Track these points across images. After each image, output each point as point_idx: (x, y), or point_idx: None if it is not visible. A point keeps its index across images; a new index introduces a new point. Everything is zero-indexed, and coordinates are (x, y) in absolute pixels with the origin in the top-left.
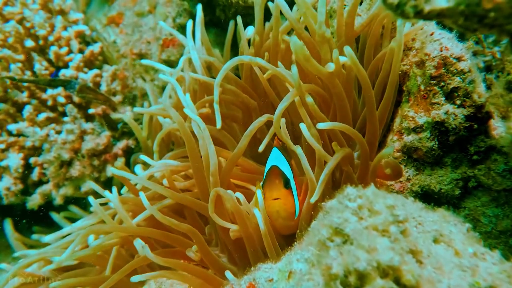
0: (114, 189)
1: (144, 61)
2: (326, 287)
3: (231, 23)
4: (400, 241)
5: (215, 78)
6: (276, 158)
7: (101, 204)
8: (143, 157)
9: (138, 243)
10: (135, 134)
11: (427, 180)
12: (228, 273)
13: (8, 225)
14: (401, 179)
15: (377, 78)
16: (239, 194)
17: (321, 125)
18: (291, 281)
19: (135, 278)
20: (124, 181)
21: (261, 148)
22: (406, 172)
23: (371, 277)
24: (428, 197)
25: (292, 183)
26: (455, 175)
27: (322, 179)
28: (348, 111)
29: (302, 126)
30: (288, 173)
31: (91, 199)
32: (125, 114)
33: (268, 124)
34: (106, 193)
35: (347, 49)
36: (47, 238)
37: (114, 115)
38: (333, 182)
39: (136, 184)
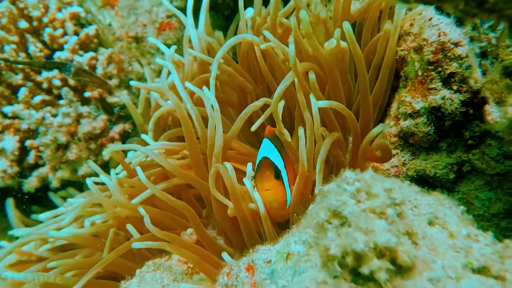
0: (112, 172)
1: (150, 39)
2: (324, 267)
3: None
4: (397, 223)
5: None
6: (266, 149)
7: (97, 184)
8: (143, 136)
9: (131, 228)
10: (132, 117)
11: (422, 164)
12: (225, 255)
13: (10, 204)
14: (397, 164)
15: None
16: (249, 166)
17: (320, 103)
18: (289, 262)
19: (135, 244)
20: (120, 161)
21: (253, 128)
22: (402, 157)
23: (368, 258)
24: (423, 182)
25: (284, 173)
26: (450, 159)
27: (319, 168)
28: (341, 93)
29: (312, 98)
30: (279, 163)
31: (88, 180)
32: (123, 96)
33: (264, 108)
34: (103, 177)
35: (346, 25)
36: (42, 215)
37: (110, 99)
38: (327, 167)
39: (130, 163)
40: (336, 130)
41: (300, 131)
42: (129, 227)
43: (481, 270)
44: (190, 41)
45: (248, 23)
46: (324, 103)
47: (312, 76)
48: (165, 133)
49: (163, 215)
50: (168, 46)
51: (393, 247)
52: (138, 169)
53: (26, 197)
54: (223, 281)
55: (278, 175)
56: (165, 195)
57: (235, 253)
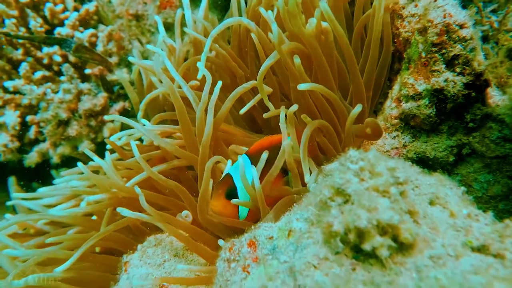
0: (107, 154)
1: (156, 17)
2: (326, 244)
3: None
4: (400, 202)
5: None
6: (237, 167)
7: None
8: (142, 120)
9: (122, 209)
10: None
11: (422, 147)
12: (220, 241)
13: (12, 182)
14: (397, 146)
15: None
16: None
17: (301, 86)
18: (291, 239)
19: (124, 212)
20: (115, 147)
21: (242, 111)
22: (403, 139)
23: (371, 235)
24: (423, 164)
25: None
26: (450, 142)
27: (303, 158)
28: (328, 73)
29: (301, 86)
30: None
31: (80, 164)
32: (119, 74)
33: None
34: (98, 160)
35: (322, 4)
36: (40, 190)
37: (111, 77)
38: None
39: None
40: (327, 112)
41: (284, 142)
42: (120, 210)
43: (481, 249)
44: (181, 24)
45: (242, 5)
46: (305, 86)
47: (297, 60)
48: (156, 115)
49: (159, 197)
50: (169, 24)
51: (395, 225)
52: (133, 144)
53: (25, 166)
54: (225, 255)
55: (230, 196)
56: (157, 176)
57: (232, 234)
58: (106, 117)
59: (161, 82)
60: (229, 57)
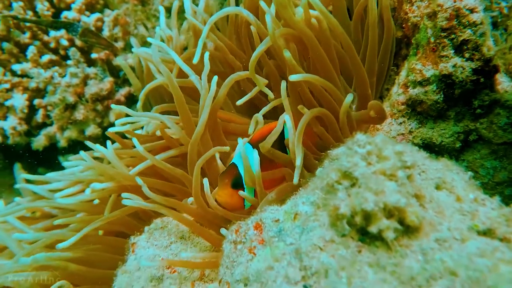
0: (109, 143)
1: (160, 8)
2: (332, 226)
3: None
4: (406, 185)
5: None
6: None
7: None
8: (147, 113)
9: (126, 195)
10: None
11: (429, 133)
12: (223, 230)
13: (17, 168)
14: (403, 132)
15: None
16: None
17: (293, 77)
18: (297, 222)
19: (126, 201)
20: (115, 137)
21: (239, 102)
22: (409, 125)
23: (377, 218)
24: (429, 150)
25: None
26: (457, 128)
27: (297, 143)
28: (326, 61)
29: (293, 77)
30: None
31: (82, 153)
32: (120, 60)
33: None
34: (101, 148)
35: None
36: (49, 174)
37: (116, 62)
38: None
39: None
40: (327, 100)
41: (288, 124)
42: (123, 195)
43: (487, 233)
44: (178, 14)
45: None
46: (297, 77)
47: (287, 54)
48: (157, 106)
49: (164, 184)
50: None
51: (402, 207)
52: (135, 141)
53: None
54: (231, 237)
55: (236, 185)
56: (163, 164)
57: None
58: (113, 106)
59: (159, 72)
60: (227, 49)
